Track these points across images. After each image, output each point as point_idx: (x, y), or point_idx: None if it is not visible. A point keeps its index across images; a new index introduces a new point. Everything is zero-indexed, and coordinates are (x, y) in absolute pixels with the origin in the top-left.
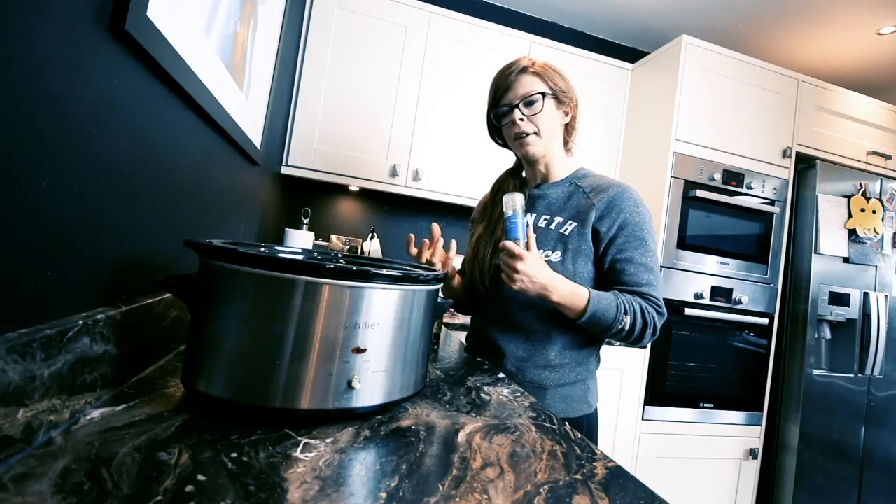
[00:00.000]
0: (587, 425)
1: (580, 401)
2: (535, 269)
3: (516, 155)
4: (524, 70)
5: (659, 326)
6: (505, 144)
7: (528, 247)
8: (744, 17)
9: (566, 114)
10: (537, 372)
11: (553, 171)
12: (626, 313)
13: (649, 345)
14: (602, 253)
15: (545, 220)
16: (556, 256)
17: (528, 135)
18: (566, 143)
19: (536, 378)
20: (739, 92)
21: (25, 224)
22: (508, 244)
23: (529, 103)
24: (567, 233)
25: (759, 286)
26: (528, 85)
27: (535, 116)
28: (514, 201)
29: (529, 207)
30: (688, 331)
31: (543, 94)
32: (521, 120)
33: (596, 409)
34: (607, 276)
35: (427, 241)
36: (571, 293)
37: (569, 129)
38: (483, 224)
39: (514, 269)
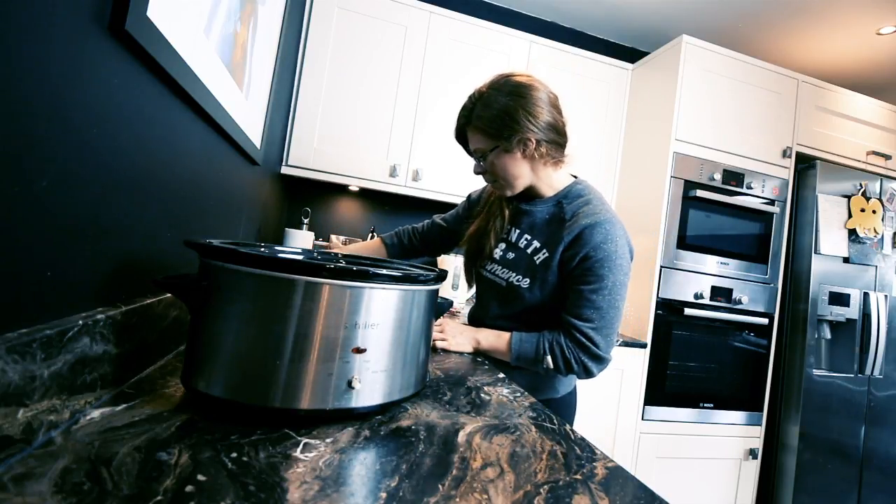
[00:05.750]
0: (555, 407)
1: (547, 389)
2: (457, 328)
3: None
4: (467, 122)
5: (594, 367)
6: None
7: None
8: (744, 17)
9: (526, 146)
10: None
11: (540, 190)
12: (546, 353)
13: (649, 345)
14: (564, 281)
15: (525, 240)
16: (525, 283)
17: (495, 181)
18: (552, 159)
19: (503, 367)
20: (739, 92)
21: (25, 224)
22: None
23: (480, 158)
24: (538, 262)
25: (759, 286)
26: (473, 140)
27: (491, 170)
28: None
29: (515, 222)
30: (688, 331)
31: (484, 155)
32: (484, 173)
33: (568, 395)
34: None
35: None
36: (496, 339)
37: (541, 153)
38: (479, 219)
39: (441, 335)
